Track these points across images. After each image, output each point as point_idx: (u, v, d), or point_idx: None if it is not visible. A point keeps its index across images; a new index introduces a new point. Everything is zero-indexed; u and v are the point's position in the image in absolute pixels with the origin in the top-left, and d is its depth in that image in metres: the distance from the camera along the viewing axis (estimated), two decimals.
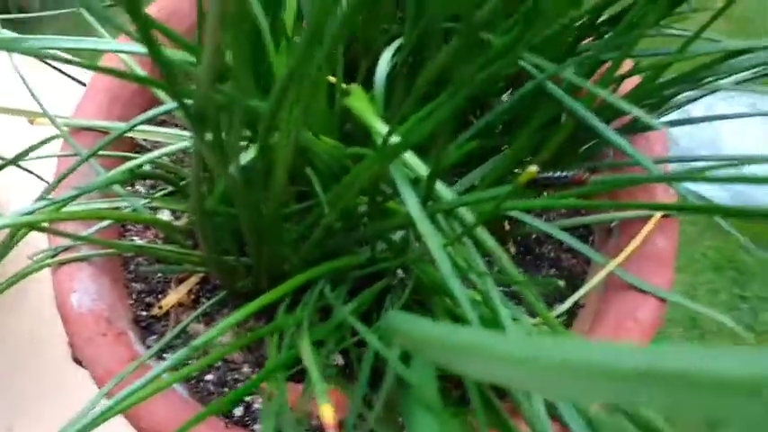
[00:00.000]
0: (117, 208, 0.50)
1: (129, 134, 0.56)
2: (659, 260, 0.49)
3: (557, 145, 0.47)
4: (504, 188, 0.32)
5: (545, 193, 0.52)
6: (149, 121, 0.59)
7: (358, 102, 0.39)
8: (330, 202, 0.40)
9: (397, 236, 0.46)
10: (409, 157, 0.35)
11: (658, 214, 0.48)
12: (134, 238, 0.54)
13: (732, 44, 0.41)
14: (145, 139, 0.57)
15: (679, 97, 0.46)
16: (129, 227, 0.54)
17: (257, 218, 0.37)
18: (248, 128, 0.40)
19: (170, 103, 0.42)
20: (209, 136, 0.31)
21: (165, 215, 0.55)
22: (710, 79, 0.42)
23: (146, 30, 0.23)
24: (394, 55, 0.46)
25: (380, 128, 0.35)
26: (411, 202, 0.34)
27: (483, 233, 0.35)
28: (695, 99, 0.48)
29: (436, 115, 0.30)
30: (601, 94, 0.35)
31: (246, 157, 0.37)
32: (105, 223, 0.50)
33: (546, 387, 0.16)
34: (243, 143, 0.39)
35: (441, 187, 0.35)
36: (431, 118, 0.30)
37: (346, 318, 0.37)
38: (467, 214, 0.35)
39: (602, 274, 0.47)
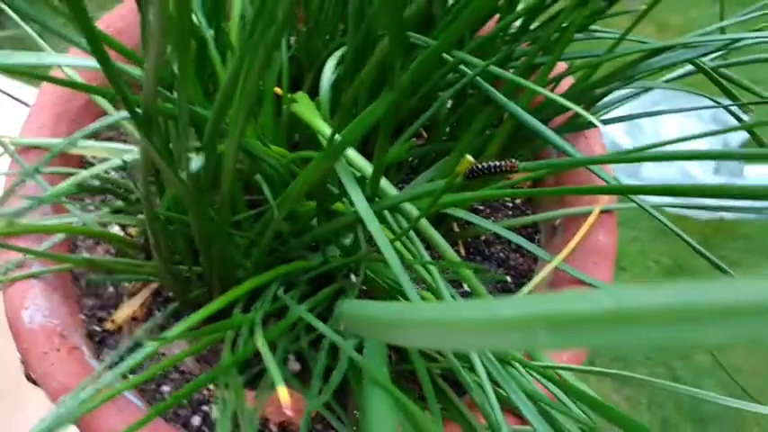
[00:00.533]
0: (67, 224, 0.49)
1: (78, 151, 0.56)
2: (601, 254, 0.51)
3: (499, 145, 0.49)
4: (442, 181, 0.34)
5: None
6: (96, 137, 0.59)
7: (304, 108, 0.40)
8: (279, 206, 0.41)
9: (347, 240, 0.47)
10: (354, 156, 0.36)
11: (597, 209, 0.50)
12: (84, 254, 0.54)
13: (656, 44, 0.43)
14: (93, 156, 0.57)
15: (613, 96, 0.49)
16: (78, 243, 0.54)
17: (207, 224, 0.37)
18: (197, 135, 0.41)
19: (114, 116, 0.42)
20: (157, 142, 0.31)
21: (114, 230, 0.55)
22: (640, 77, 0.44)
23: (94, 39, 0.24)
24: (338, 64, 0.48)
25: (324, 129, 0.36)
26: (357, 199, 0.35)
27: (428, 227, 0.36)
28: (628, 98, 0.50)
29: (374, 113, 0.31)
30: (540, 91, 0.37)
31: (197, 164, 0.38)
32: (56, 239, 0.50)
33: (483, 340, 0.17)
34: (193, 150, 0.39)
35: (385, 184, 0.36)
36: (368, 117, 0.32)
37: (300, 317, 0.38)
38: (412, 210, 0.37)
39: (547, 269, 0.49)
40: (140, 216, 0.53)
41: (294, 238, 0.44)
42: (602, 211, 0.51)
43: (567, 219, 0.54)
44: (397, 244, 0.38)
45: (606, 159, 0.35)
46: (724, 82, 0.45)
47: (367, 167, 0.36)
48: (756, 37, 0.40)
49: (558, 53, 0.42)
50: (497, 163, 0.30)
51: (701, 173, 1.81)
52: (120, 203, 0.53)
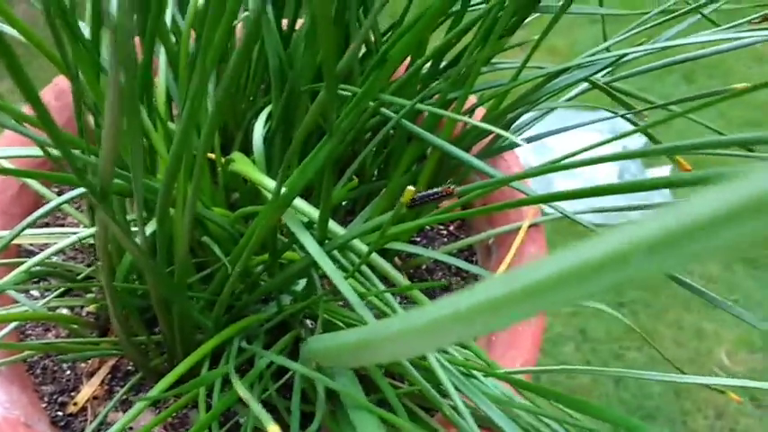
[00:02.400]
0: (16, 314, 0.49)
1: (18, 241, 0.56)
2: None
3: (428, 178, 0.52)
4: (387, 215, 0.36)
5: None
6: (32, 225, 0.60)
7: (242, 165, 0.42)
8: (232, 262, 0.43)
9: (298, 286, 0.49)
10: (300, 204, 0.38)
11: (526, 224, 0.54)
12: (36, 341, 0.53)
13: (552, 68, 0.48)
14: (31, 244, 0.57)
15: (522, 120, 0.53)
16: (28, 332, 0.54)
17: (167, 287, 0.39)
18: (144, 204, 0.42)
19: (55, 200, 0.43)
20: (112, 214, 0.33)
21: (63, 312, 0.55)
22: (544, 99, 0.49)
23: (46, 116, 0.26)
24: (266, 121, 0.50)
25: (268, 183, 0.39)
26: (309, 243, 0.38)
27: (379, 260, 0.39)
28: (535, 119, 0.55)
29: (316, 161, 0.34)
30: (462, 119, 0.40)
31: (149, 230, 0.40)
32: (6, 330, 0.50)
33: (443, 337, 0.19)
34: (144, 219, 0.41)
35: (333, 225, 0.39)
36: (311, 165, 0.34)
37: (268, 365, 0.39)
38: (362, 246, 0.39)
39: None
40: (89, 295, 0.53)
41: (248, 292, 0.46)
42: (530, 226, 0.55)
43: (498, 237, 0.58)
44: (351, 280, 0.41)
45: (526, 174, 0.38)
46: (617, 94, 0.50)
47: (313, 212, 0.38)
48: (639, 51, 0.45)
49: (470, 86, 0.46)
50: (436, 190, 0.33)
51: (607, 181, 1.92)
52: (65, 286, 0.53)
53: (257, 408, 0.32)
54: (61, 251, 0.58)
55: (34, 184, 0.55)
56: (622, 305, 1.65)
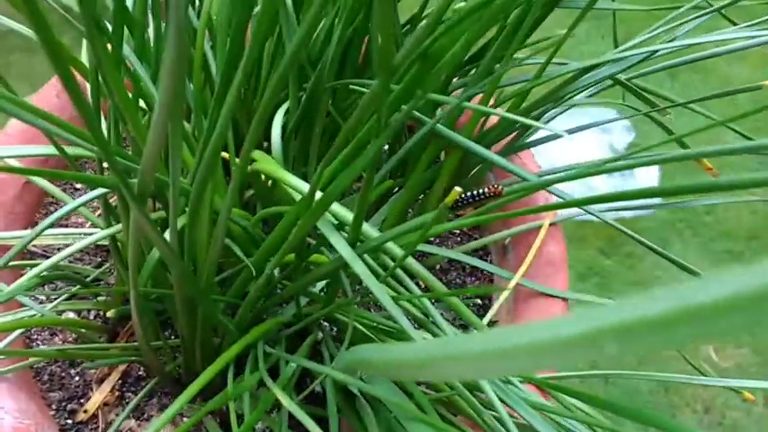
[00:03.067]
0: (22, 318, 0.47)
1: (13, 242, 0.54)
2: (554, 265, 0.54)
3: (449, 176, 0.51)
4: (427, 215, 0.35)
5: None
6: (33, 225, 0.58)
7: (268, 166, 0.41)
8: (255, 265, 0.41)
9: (314, 288, 0.48)
10: (335, 207, 0.37)
11: (547, 222, 0.53)
12: (42, 346, 0.52)
13: (579, 65, 0.47)
14: (35, 245, 0.55)
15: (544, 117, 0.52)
16: (34, 336, 0.52)
17: (193, 288, 0.37)
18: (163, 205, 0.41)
19: (73, 202, 0.41)
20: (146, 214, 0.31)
21: (70, 317, 0.53)
22: (568, 97, 0.48)
23: (92, 119, 0.24)
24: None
25: (300, 184, 0.37)
26: (340, 245, 0.36)
27: (413, 263, 0.37)
28: (554, 117, 0.54)
29: (358, 164, 0.33)
30: (495, 113, 0.39)
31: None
32: (12, 337, 0.48)
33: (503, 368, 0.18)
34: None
35: (367, 228, 0.37)
36: (355, 166, 0.33)
37: (297, 367, 0.38)
38: (394, 248, 0.38)
39: (511, 285, 0.51)
40: (100, 298, 0.51)
41: (270, 294, 0.45)
42: (550, 224, 0.54)
43: (515, 237, 0.57)
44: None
45: (563, 178, 0.37)
46: (643, 93, 0.49)
47: (346, 214, 0.37)
48: (666, 48, 0.45)
49: (496, 82, 0.45)
50: (482, 190, 0.32)
51: (597, 179, 1.92)
52: (81, 292, 0.51)
53: (302, 415, 0.30)
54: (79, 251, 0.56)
55: (40, 181, 0.53)
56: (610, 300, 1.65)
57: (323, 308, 0.45)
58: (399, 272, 0.39)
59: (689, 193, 0.36)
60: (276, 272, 0.45)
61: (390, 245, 0.38)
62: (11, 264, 0.52)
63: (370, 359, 0.29)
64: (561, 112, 0.53)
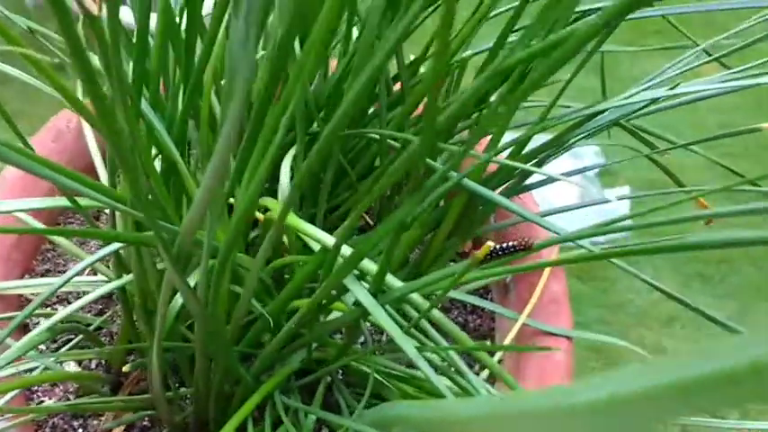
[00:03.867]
0: (26, 370, 0.46)
1: (15, 291, 0.53)
2: (558, 303, 0.55)
3: (455, 217, 0.51)
4: (455, 267, 0.35)
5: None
6: (31, 273, 0.56)
7: (291, 217, 0.40)
8: (272, 313, 0.41)
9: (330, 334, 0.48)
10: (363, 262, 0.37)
11: (548, 269, 0.54)
12: (43, 399, 0.50)
13: (584, 109, 0.48)
14: (33, 294, 0.54)
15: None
16: (35, 387, 0.51)
17: (217, 342, 0.37)
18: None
19: (89, 258, 0.41)
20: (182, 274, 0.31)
21: (71, 367, 0.52)
22: (575, 140, 0.49)
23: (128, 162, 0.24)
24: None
25: (325, 239, 0.37)
26: (361, 295, 0.36)
27: (439, 315, 0.38)
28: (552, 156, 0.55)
29: (394, 220, 0.33)
30: (505, 162, 0.40)
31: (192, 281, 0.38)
32: (14, 393, 0.46)
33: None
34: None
35: (390, 278, 0.37)
36: (388, 225, 0.33)
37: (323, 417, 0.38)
38: (416, 299, 0.38)
39: (517, 325, 0.52)
40: (104, 348, 0.50)
41: (286, 343, 0.44)
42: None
43: (516, 275, 0.58)
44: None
45: (571, 237, 0.38)
46: (643, 134, 0.51)
47: (372, 268, 0.37)
48: (669, 94, 0.46)
49: (503, 125, 0.46)
50: (513, 243, 0.32)
51: (568, 201, 1.95)
52: (75, 340, 0.50)
53: None
54: (66, 300, 0.55)
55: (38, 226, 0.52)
56: (580, 324, 1.67)
57: (337, 355, 0.45)
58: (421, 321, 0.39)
59: (662, 225, 0.37)
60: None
61: (413, 294, 0.38)
62: (2, 316, 0.51)
63: (408, 416, 0.29)
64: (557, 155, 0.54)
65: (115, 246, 0.37)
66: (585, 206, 0.58)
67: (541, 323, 0.53)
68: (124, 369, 0.41)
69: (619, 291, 1.67)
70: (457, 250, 0.58)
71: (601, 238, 1.69)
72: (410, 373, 0.45)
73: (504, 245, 0.33)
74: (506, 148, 0.53)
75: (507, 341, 0.53)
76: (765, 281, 1.69)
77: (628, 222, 0.39)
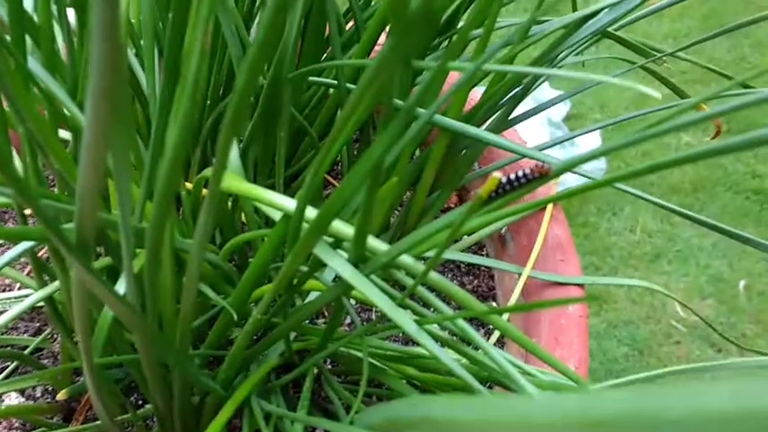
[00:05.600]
0: None
1: None
2: (564, 249, 0.48)
3: (437, 164, 0.44)
4: (450, 215, 0.28)
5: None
6: None
7: (238, 184, 0.33)
8: (235, 305, 0.33)
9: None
10: (337, 225, 0.30)
11: (550, 206, 0.47)
12: None
13: (561, 21, 0.41)
14: None
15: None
16: None
17: (164, 349, 0.29)
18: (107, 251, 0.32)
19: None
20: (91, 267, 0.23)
21: (12, 399, 0.44)
22: (563, 56, 0.42)
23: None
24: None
25: (285, 204, 0.30)
26: (341, 267, 0.29)
27: (436, 276, 0.30)
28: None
29: (364, 166, 0.26)
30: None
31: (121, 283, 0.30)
32: None
33: None
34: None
35: (373, 242, 0.30)
36: (357, 173, 0.26)
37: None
38: (406, 260, 0.31)
39: (522, 278, 0.45)
40: (45, 371, 0.43)
41: (256, 340, 0.37)
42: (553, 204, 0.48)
43: (513, 225, 0.51)
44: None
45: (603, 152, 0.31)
46: (636, 43, 0.44)
47: (348, 231, 0.29)
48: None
49: (479, 53, 0.39)
50: (526, 171, 0.25)
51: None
52: (11, 366, 0.42)
53: None
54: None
55: None
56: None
57: (322, 342, 0.38)
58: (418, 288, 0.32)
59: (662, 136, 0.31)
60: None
61: (403, 257, 0.31)
62: None
63: (428, 417, 0.22)
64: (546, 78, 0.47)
65: (21, 247, 0.30)
66: (557, 144, 0.51)
67: (550, 273, 0.46)
68: (58, 397, 0.33)
69: (601, 236, 1.62)
70: (441, 207, 0.51)
71: (581, 179, 1.62)
72: (409, 351, 0.38)
73: (515, 174, 0.25)
74: (484, 78, 0.46)
75: (513, 299, 0.46)
76: (744, 204, 1.65)
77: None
